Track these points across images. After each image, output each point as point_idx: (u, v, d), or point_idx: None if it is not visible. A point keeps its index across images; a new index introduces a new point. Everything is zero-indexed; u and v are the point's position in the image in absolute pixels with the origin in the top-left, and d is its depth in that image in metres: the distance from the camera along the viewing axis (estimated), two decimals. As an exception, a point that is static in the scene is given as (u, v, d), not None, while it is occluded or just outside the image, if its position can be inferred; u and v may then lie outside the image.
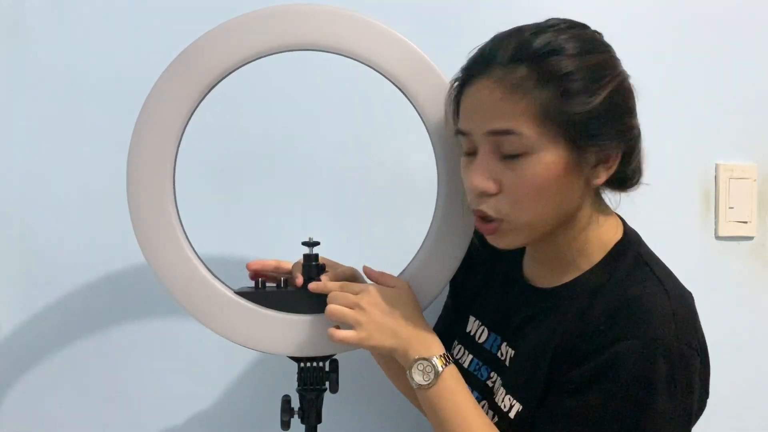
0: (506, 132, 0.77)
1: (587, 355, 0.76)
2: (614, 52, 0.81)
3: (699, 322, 0.80)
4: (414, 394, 0.86)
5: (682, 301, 0.78)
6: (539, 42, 0.77)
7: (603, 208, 0.85)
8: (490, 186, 0.79)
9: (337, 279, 0.92)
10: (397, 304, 0.86)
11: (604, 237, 0.84)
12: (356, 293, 0.86)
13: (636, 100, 0.81)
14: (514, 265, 0.93)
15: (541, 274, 0.88)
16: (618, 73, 0.79)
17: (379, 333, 0.84)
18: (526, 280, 0.90)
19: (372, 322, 0.84)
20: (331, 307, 0.86)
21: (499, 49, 0.79)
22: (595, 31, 0.83)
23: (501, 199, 0.79)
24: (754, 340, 1.30)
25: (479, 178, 0.79)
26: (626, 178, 0.83)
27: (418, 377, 0.83)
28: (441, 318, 1.08)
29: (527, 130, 0.76)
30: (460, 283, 1.03)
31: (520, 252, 0.92)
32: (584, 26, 0.82)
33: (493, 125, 0.78)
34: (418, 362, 0.83)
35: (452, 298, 1.06)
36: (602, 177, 0.80)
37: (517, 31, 0.80)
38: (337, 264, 0.98)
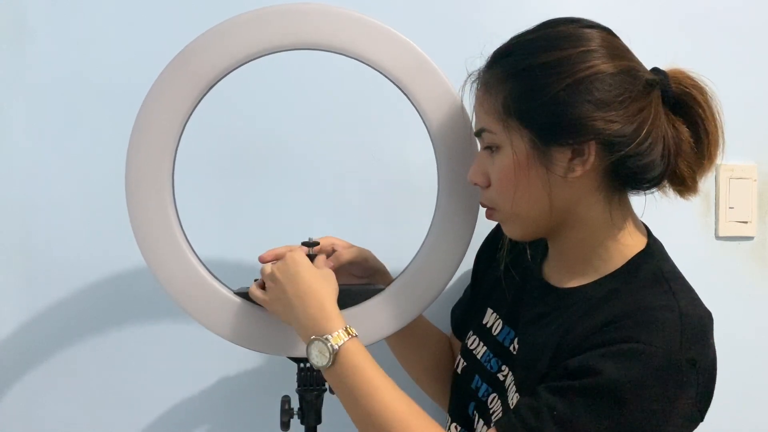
0: (481, 131, 0.84)
1: (585, 349, 0.76)
2: (590, 47, 0.79)
3: (712, 345, 0.79)
4: (419, 375, 0.85)
5: (694, 319, 0.77)
6: (508, 44, 0.84)
7: (622, 213, 0.84)
8: (480, 179, 0.86)
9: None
10: (303, 275, 0.85)
11: (623, 244, 0.83)
12: (280, 259, 0.88)
13: (627, 93, 0.78)
14: (534, 261, 0.93)
15: (558, 274, 0.88)
16: (585, 68, 0.77)
17: (277, 302, 0.86)
18: (544, 277, 0.90)
19: (275, 289, 0.86)
20: (262, 266, 0.89)
21: (490, 56, 0.85)
22: (588, 28, 0.81)
23: (491, 190, 0.85)
24: (755, 340, 1.30)
25: (472, 172, 0.87)
26: (630, 175, 0.81)
27: (314, 359, 0.81)
28: (461, 302, 1.09)
29: (494, 126, 0.82)
30: (481, 273, 1.04)
31: (542, 248, 0.93)
32: (568, 23, 0.82)
33: (475, 127, 0.87)
34: (314, 342, 0.81)
35: (473, 287, 1.06)
36: (578, 171, 0.79)
37: (510, 38, 0.85)
38: (345, 244, 1.00)
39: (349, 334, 0.81)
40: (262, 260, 0.96)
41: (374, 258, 1.03)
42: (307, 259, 0.88)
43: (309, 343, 0.81)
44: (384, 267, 1.04)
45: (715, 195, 1.28)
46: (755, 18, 1.29)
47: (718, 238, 1.29)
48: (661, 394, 0.73)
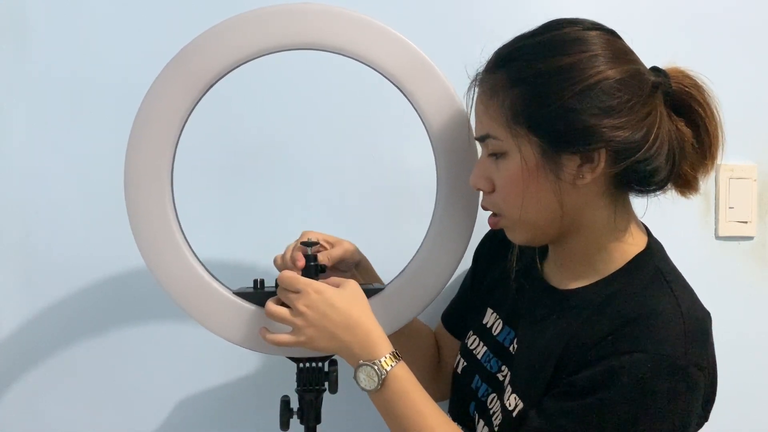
0: (485, 137, 0.83)
1: (592, 362, 0.76)
2: (596, 51, 0.78)
3: (712, 345, 0.79)
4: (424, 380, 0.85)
5: (696, 321, 0.77)
6: (513, 46, 0.82)
7: (625, 215, 0.84)
8: (483, 184, 0.85)
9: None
10: (338, 305, 0.83)
11: (624, 245, 0.83)
12: (297, 292, 0.84)
13: (635, 99, 0.78)
14: (534, 262, 0.93)
15: (559, 275, 0.88)
16: (594, 74, 0.77)
17: (318, 338, 0.83)
18: (544, 279, 0.90)
19: (309, 326, 0.83)
20: (270, 306, 0.85)
21: (492, 57, 0.83)
22: (591, 30, 0.81)
23: (495, 196, 0.84)
24: (755, 340, 1.30)
25: (474, 177, 0.86)
26: (637, 179, 0.81)
27: (363, 382, 0.81)
28: (457, 300, 1.08)
29: (500, 133, 0.81)
30: (481, 273, 1.03)
31: (542, 249, 0.92)
32: (571, 25, 0.81)
33: (477, 132, 0.85)
34: (362, 367, 0.81)
35: (472, 287, 1.05)
36: (587, 177, 0.79)
37: (512, 38, 0.83)
38: (338, 240, 0.98)
39: (396, 358, 0.82)
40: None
41: (356, 250, 1.00)
42: (328, 286, 0.85)
43: (357, 367, 0.82)
44: (365, 259, 1.02)
45: (715, 195, 1.28)
46: (755, 18, 1.29)
47: (718, 237, 1.29)
48: (672, 402, 0.73)
